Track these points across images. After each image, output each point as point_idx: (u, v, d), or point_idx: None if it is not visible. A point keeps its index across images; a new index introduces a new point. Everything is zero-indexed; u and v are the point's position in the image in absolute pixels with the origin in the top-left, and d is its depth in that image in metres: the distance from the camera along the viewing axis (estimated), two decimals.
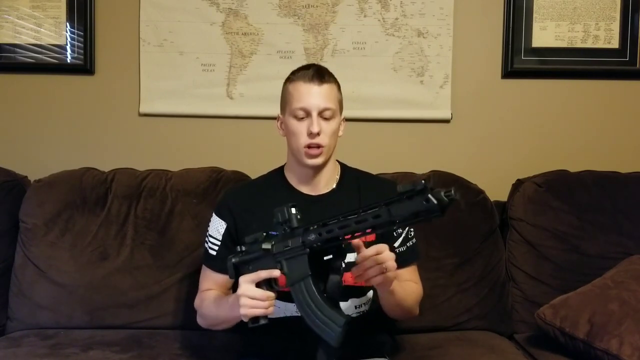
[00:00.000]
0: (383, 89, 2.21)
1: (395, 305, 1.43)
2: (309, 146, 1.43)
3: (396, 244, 1.51)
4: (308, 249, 1.23)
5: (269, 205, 1.45)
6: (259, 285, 1.28)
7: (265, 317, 1.29)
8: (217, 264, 1.52)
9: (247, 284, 1.28)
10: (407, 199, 1.09)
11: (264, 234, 1.32)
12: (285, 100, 1.50)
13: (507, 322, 1.93)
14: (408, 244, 1.53)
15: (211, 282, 1.55)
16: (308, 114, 1.43)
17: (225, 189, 1.91)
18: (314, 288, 1.24)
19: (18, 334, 1.82)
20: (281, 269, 1.27)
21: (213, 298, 1.50)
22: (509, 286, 1.96)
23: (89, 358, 1.63)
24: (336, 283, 1.28)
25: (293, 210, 1.26)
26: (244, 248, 1.35)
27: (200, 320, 1.56)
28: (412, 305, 1.49)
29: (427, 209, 1.06)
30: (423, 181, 1.07)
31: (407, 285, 1.47)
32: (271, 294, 1.28)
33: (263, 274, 1.28)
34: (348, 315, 1.23)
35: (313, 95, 1.43)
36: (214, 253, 1.54)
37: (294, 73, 1.49)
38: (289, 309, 1.45)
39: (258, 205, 1.51)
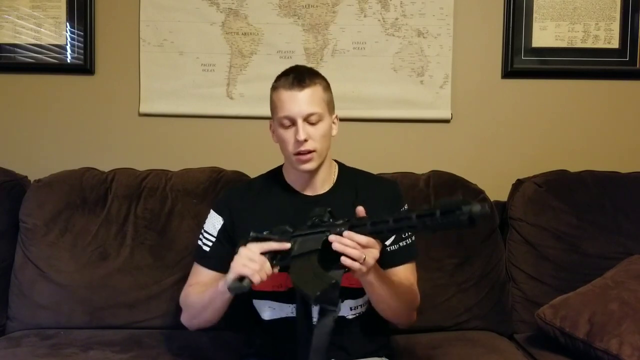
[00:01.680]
0: (383, 89, 2.21)
1: (382, 302, 1.40)
2: (299, 153, 1.41)
3: (387, 242, 1.50)
4: (328, 233, 1.22)
5: (267, 204, 1.46)
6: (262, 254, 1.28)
7: (250, 282, 1.26)
8: (210, 261, 1.50)
9: (253, 246, 1.28)
10: (442, 213, 1.10)
11: (287, 227, 1.31)
12: (272, 109, 1.48)
13: (507, 322, 1.93)
14: (401, 243, 1.50)
15: (200, 279, 1.51)
16: (293, 122, 1.41)
17: (225, 189, 1.91)
18: (316, 258, 1.23)
19: (18, 334, 1.82)
20: (293, 246, 1.26)
21: (200, 288, 1.47)
22: (509, 286, 1.96)
23: (89, 358, 1.63)
24: (338, 275, 1.25)
25: (329, 213, 1.27)
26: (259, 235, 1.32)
27: (184, 316, 1.53)
28: (402, 305, 1.44)
29: (462, 222, 1.08)
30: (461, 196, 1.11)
31: (398, 284, 1.43)
32: (268, 265, 1.26)
33: (274, 244, 1.27)
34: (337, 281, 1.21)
35: (295, 102, 1.40)
36: (207, 249, 1.52)
37: (276, 80, 1.47)
38: (285, 310, 1.45)
39: (256, 205, 1.51)
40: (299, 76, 1.42)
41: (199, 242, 1.55)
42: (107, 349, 1.68)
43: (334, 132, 1.50)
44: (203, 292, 1.44)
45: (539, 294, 1.90)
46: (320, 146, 1.43)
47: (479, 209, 1.07)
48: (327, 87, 1.47)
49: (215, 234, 1.52)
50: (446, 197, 1.13)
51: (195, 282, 1.52)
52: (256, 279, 1.25)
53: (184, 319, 1.54)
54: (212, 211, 1.56)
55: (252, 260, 1.26)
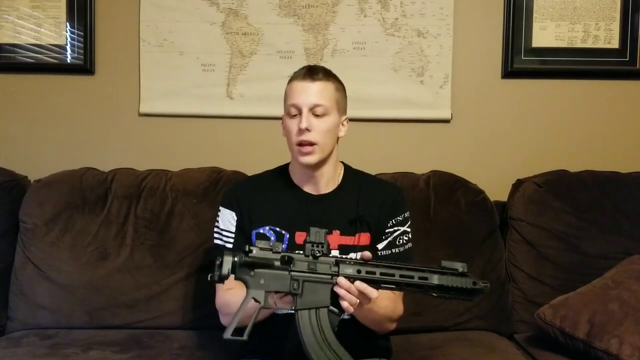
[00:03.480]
0: (383, 89, 2.21)
1: (362, 317, 1.40)
2: (300, 144, 1.42)
3: (380, 246, 1.50)
4: (336, 282, 1.21)
5: (272, 199, 1.48)
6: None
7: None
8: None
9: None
10: (455, 275, 1.20)
11: (282, 245, 1.29)
12: (284, 101, 1.50)
13: (507, 322, 1.93)
14: (394, 250, 1.50)
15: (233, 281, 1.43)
16: (300, 110, 1.43)
17: (229, 185, 1.90)
18: (328, 320, 1.21)
19: (18, 334, 1.82)
20: (295, 289, 1.22)
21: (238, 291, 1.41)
22: (509, 286, 1.96)
23: (89, 358, 1.63)
24: (336, 320, 1.25)
25: (326, 237, 1.25)
26: (252, 249, 1.24)
27: (223, 319, 1.50)
28: (381, 319, 1.44)
29: (471, 290, 1.19)
30: (464, 264, 1.22)
31: (378, 304, 1.35)
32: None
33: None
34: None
35: (304, 92, 1.43)
36: (231, 246, 1.49)
37: (295, 73, 1.49)
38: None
39: (262, 199, 1.52)
40: (313, 69, 1.47)
41: (219, 242, 1.52)
42: (107, 349, 1.68)
43: (342, 133, 1.51)
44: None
45: (539, 294, 1.90)
46: (323, 141, 1.43)
47: (484, 287, 1.20)
48: (340, 88, 1.50)
49: (233, 229, 1.51)
50: (448, 262, 1.22)
51: (228, 287, 1.43)
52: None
53: (224, 321, 1.50)
54: (222, 209, 1.55)
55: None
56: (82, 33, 2.21)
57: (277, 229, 1.48)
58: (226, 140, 2.24)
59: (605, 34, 2.20)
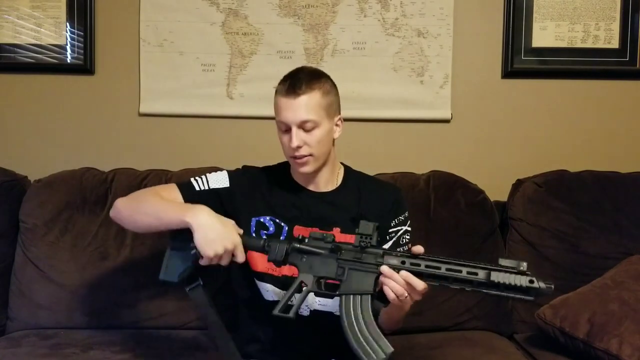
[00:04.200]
0: (383, 89, 2.21)
1: (394, 321, 1.43)
2: (294, 157, 1.43)
3: (386, 246, 1.49)
4: (379, 268, 1.25)
5: (277, 192, 1.51)
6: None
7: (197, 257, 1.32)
8: (189, 196, 1.47)
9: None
10: (509, 273, 1.16)
11: (334, 236, 1.33)
12: (274, 111, 1.48)
13: (507, 322, 1.93)
14: (399, 250, 1.49)
15: (171, 197, 1.46)
16: (288, 127, 1.42)
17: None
18: (369, 308, 1.25)
19: (18, 334, 1.82)
20: (340, 275, 1.28)
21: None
22: None
23: (89, 358, 1.64)
24: (378, 310, 1.32)
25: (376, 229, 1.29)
26: (305, 238, 1.34)
27: (123, 202, 1.47)
28: (402, 318, 1.46)
29: (527, 289, 1.14)
30: (525, 263, 1.16)
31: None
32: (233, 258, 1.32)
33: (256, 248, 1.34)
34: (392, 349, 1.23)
35: (290, 109, 1.40)
36: (198, 190, 1.49)
37: (279, 83, 1.46)
38: (278, 294, 1.45)
39: (266, 190, 1.52)
40: (296, 83, 1.41)
41: (193, 180, 1.51)
42: (107, 349, 1.68)
43: (336, 134, 1.49)
44: (165, 201, 1.42)
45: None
46: (317, 151, 1.43)
47: (543, 291, 1.13)
48: (328, 90, 1.45)
49: (213, 187, 1.50)
50: (506, 263, 1.17)
51: (173, 197, 1.47)
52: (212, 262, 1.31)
53: (121, 204, 1.47)
54: (225, 171, 1.55)
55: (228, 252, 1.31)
56: (82, 33, 2.21)
57: (277, 221, 1.49)
58: (226, 140, 2.24)
59: (605, 34, 2.21)
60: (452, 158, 2.21)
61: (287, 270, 1.42)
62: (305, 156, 1.42)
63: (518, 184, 2.06)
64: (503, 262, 1.18)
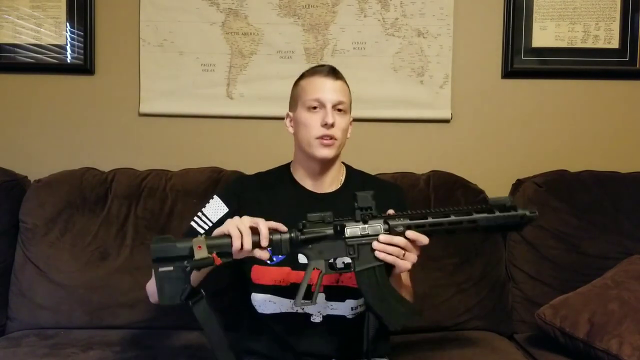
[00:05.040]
0: (383, 89, 2.21)
1: (402, 286, 1.44)
2: (323, 137, 1.43)
3: None
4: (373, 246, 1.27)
5: (274, 198, 1.49)
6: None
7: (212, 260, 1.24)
8: None
9: (248, 219, 1.27)
10: (500, 211, 1.30)
11: (330, 213, 1.30)
12: (297, 96, 1.50)
13: (507, 322, 1.93)
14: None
15: None
16: (322, 105, 1.44)
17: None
18: (385, 276, 1.27)
19: (18, 334, 1.82)
20: (352, 254, 1.28)
21: None
22: (509, 286, 1.96)
23: (89, 358, 1.64)
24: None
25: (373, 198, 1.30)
26: (305, 224, 1.29)
27: (147, 284, 1.47)
28: (409, 284, 1.50)
29: (518, 223, 1.30)
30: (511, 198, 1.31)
31: (406, 282, 1.49)
32: (249, 239, 1.24)
33: (272, 224, 1.27)
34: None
35: (328, 88, 1.45)
36: (204, 229, 1.48)
37: (307, 71, 1.51)
38: (285, 305, 1.45)
39: (264, 197, 1.51)
40: (335, 69, 1.49)
41: (193, 224, 1.50)
42: (107, 349, 1.68)
43: (349, 134, 1.53)
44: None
45: (539, 294, 1.90)
46: (341, 138, 1.47)
47: (532, 214, 1.29)
48: (350, 92, 1.53)
49: (214, 220, 1.49)
50: (494, 198, 1.33)
51: None
52: (236, 244, 1.23)
53: (147, 285, 1.49)
54: (217, 197, 1.53)
55: (239, 231, 1.24)
56: (82, 33, 2.21)
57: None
58: (226, 140, 2.24)
59: (605, 34, 2.21)
60: (452, 158, 2.21)
61: (294, 277, 1.41)
62: (332, 138, 1.44)
63: (518, 184, 2.06)
64: (491, 200, 1.33)
